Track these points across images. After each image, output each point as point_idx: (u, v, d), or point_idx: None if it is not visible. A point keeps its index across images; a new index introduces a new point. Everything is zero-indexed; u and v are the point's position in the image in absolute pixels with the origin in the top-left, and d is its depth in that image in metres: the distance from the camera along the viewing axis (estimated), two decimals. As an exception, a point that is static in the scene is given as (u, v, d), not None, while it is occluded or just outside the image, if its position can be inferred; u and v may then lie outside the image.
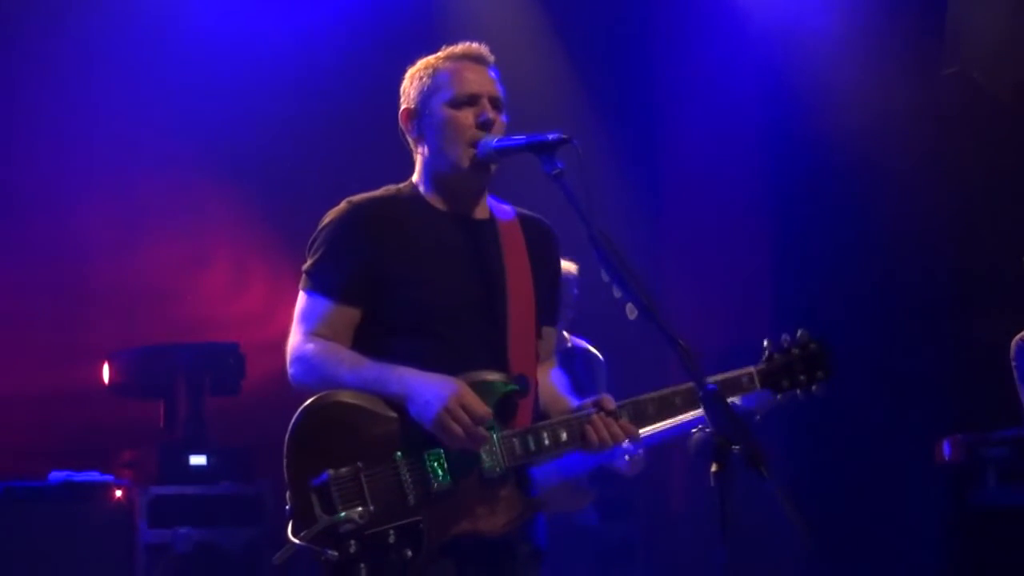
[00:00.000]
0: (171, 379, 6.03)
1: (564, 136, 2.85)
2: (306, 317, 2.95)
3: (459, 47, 3.07)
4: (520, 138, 2.92)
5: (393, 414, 2.79)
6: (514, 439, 2.83)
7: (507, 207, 3.14)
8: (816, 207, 6.91)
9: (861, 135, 6.72)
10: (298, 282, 3.04)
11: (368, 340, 2.91)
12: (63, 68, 6.40)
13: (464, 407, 2.73)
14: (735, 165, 7.23)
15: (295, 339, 2.94)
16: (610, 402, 2.89)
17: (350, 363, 2.85)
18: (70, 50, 6.40)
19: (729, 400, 5.02)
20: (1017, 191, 6.30)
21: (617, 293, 2.72)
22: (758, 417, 5.01)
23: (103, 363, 6.06)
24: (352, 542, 2.69)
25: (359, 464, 2.73)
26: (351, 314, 2.92)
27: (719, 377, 2.96)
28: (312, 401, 2.79)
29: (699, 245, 7.33)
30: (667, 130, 7.51)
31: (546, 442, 2.85)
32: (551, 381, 3.11)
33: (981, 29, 6.52)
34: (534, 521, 2.98)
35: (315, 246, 2.98)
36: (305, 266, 2.99)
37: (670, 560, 6.70)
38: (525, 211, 3.16)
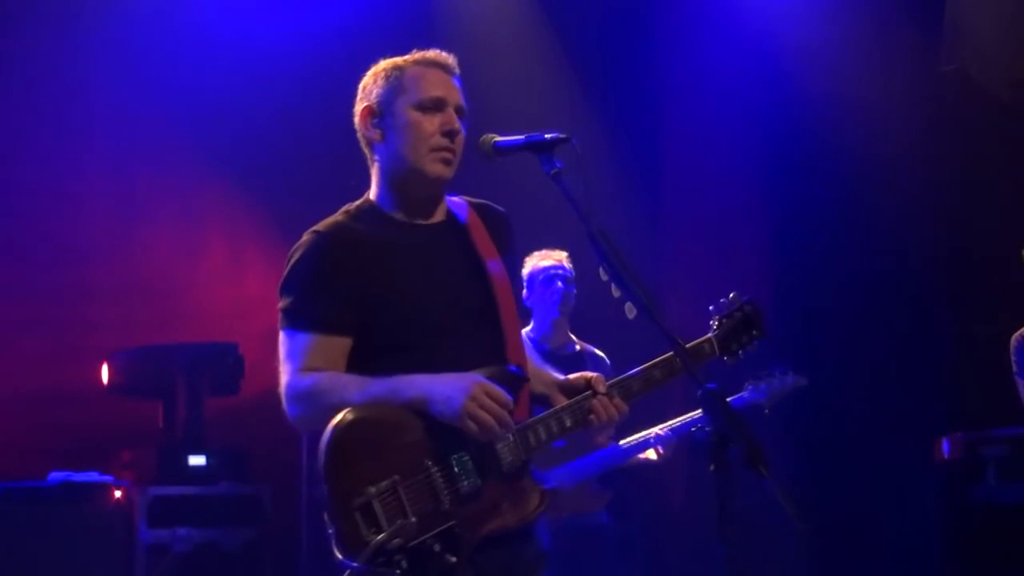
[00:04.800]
0: (170, 379, 6.02)
1: (562, 135, 2.85)
2: (294, 355, 2.87)
3: (429, 52, 3.04)
4: (518, 137, 2.92)
5: (416, 422, 2.76)
6: (528, 431, 2.86)
7: (458, 199, 3.11)
8: (815, 205, 6.91)
9: (860, 133, 6.73)
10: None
11: (364, 365, 2.86)
12: (63, 67, 6.40)
13: (488, 394, 2.74)
14: (734, 164, 7.23)
15: (288, 378, 2.86)
16: (603, 384, 2.97)
17: (356, 385, 2.80)
18: (70, 49, 6.39)
19: (739, 394, 5.14)
20: (1015, 188, 6.31)
21: (616, 292, 2.72)
22: (767, 410, 5.06)
23: (102, 363, 6.06)
24: (401, 559, 2.65)
25: (396, 477, 2.70)
26: (341, 343, 2.87)
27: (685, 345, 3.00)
28: (337, 422, 2.71)
29: (698, 244, 7.33)
30: (666, 129, 7.51)
31: (555, 429, 2.90)
32: None
33: (980, 27, 6.53)
34: (541, 520, 2.99)
35: (289, 283, 2.92)
36: (282, 305, 2.92)
37: (670, 558, 6.70)
38: (476, 200, 3.13)
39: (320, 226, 2.96)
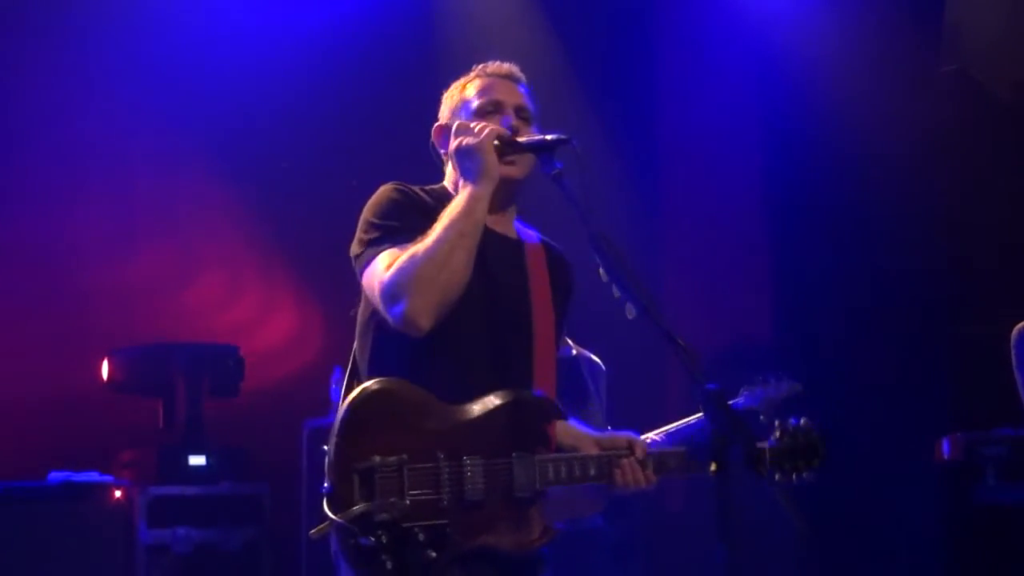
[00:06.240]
0: (170, 378, 6.03)
1: (563, 136, 2.86)
2: (388, 262, 2.81)
3: (490, 64, 3.12)
4: (519, 139, 2.93)
5: (441, 412, 2.78)
6: (549, 464, 2.85)
7: (532, 232, 3.15)
8: (815, 206, 6.91)
9: (860, 133, 6.73)
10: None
11: (385, 336, 2.88)
12: (61, 68, 6.40)
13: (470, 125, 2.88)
14: (734, 164, 7.23)
15: (384, 277, 2.79)
16: (643, 450, 2.97)
17: (429, 235, 2.80)
18: (69, 50, 6.39)
19: (734, 400, 5.13)
20: (1015, 189, 6.31)
21: (616, 293, 2.72)
22: (762, 417, 5.05)
23: (102, 360, 6.06)
24: (382, 533, 2.65)
25: (404, 457, 2.70)
26: None
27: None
28: (369, 385, 2.74)
29: (698, 245, 7.33)
30: (667, 130, 7.51)
31: (577, 473, 2.90)
32: None
33: (979, 27, 6.53)
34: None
35: (378, 212, 2.91)
36: (365, 238, 2.89)
37: (669, 560, 6.70)
38: (549, 239, 3.18)
39: (402, 183, 3.01)
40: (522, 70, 3.22)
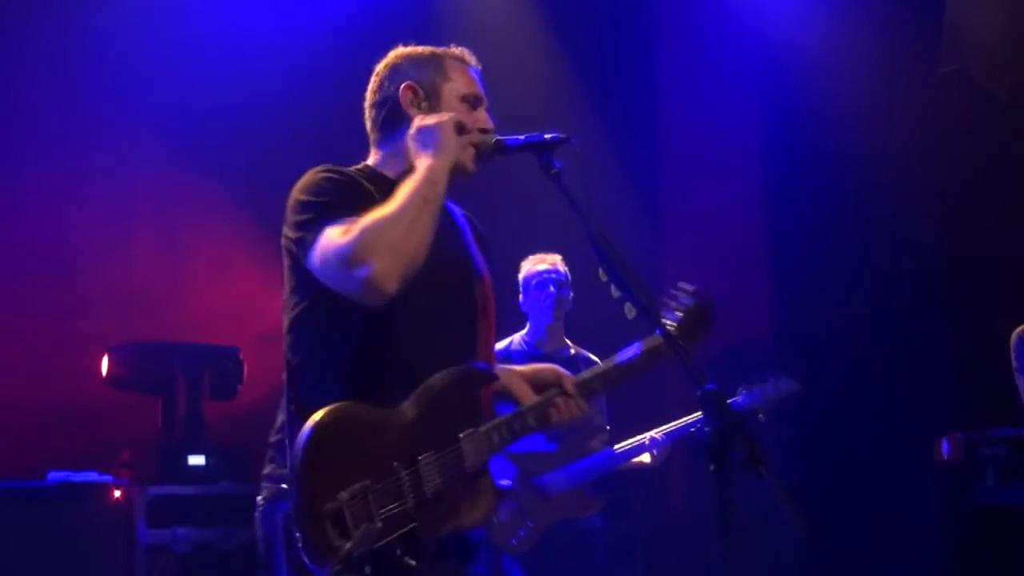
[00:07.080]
0: (170, 377, 6.03)
1: (562, 135, 2.85)
2: (339, 232, 2.74)
3: (466, 52, 3.08)
4: (518, 138, 2.93)
5: (389, 422, 2.73)
6: (493, 432, 2.85)
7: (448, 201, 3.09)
8: (815, 206, 6.91)
9: (860, 133, 6.73)
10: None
11: (337, 322, 2.83)
12: (61, 68, 6.40)
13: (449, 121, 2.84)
14: (734, 164, 7.24)
15: (342, 241, 2.70)
16: (571, 384, 3.01)
17: (388, 203, 2.73)
18: (65, 52, 6.40)
19: (732, 399, 5.14)
20: (1015, 188, 6.31)
21: (615, 292, 2.72)
22: (761, 416, 5.05)
23: (102, 358, 6.06)
24: (367, 566, 2.61)
25: (367, 482, 2.65)
26: None
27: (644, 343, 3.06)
28: (316, 421, 2.65)
29: (698, 244, 7.33)
30: (666, 129, 7.51)
31: (518, 428, 2.91)
32: None
33: (979, 27, 6.53)
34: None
35: (313, 196, 2.86)
36: (304, 219, 2.86)
37: (669, 560, 6.70)
38: (457, 206, 3.14)
39: (333, 165, 2.95)
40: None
